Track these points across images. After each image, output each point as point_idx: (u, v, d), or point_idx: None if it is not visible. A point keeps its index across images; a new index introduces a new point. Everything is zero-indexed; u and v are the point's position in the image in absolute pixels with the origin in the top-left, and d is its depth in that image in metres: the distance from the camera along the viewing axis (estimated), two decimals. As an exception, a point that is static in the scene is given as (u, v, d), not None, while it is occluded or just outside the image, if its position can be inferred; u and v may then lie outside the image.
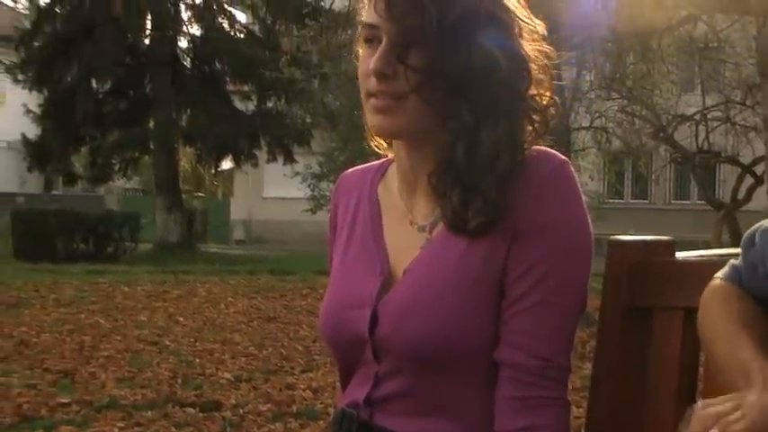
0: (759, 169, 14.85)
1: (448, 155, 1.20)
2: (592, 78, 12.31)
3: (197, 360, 6.81)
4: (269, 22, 20.26)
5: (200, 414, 5.13)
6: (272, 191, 25.73)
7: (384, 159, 1.40)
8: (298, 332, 8.32)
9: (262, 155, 20.69)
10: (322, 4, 17.32)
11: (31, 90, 19.94)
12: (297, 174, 16.95)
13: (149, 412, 5.11)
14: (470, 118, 1.18)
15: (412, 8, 1.15)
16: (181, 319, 9.05)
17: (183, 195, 22.63)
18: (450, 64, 1.16)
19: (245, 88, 20.50)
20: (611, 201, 21.42)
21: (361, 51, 1.25)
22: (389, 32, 1.18)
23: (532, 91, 1.23)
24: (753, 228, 1.09)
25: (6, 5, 24.24)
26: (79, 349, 7.10)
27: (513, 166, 1.18)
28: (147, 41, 20.51)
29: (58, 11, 19.90)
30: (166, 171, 20.27)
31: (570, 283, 1.19)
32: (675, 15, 11.21)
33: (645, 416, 1.29)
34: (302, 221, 18.42)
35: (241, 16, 21.66)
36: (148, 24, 20.23)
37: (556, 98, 1.27)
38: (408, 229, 1.28)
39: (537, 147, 1.22)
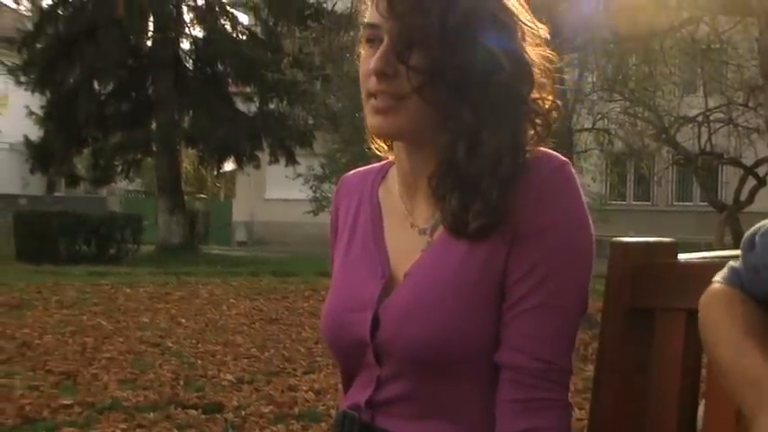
0: (761, 171, 14.84)
1: (449, 156, 1.20)
2: (594, 80, 12.31)
3: (199, 362, 6.81)
4: (271, 23, 20.28)
5: (203, 416, 5.13)
6: (274, 192, 25.73)
7: (385, 161, 1.40)
8: (300, 334, 8.32)
9: (264, 156, 20.70)
10: (324, 5, 17.32)
11: (33, 92, 19.97)
12: (299, 175, 16.95)
13: (151, 414, 5.11)
14: (472, 119, 1.18)
15: (414, 8, 1.15)
16: (183, 320, 9.05)
17: (186, 197, 22.66)
18: (452, 65, 1.16)
19: (248, 90, 20.52)
20: (614, 202, 21.41)
21: (362, 52, 1.25)
22: (391, 32, 1.17)
23: (535, 94, 1.23)
24: (752, 229, 1.09)
25: (9, 7, 24.27)
26: (81, 351, 7.11)
27: (515, 170, 1.18)
28: (149, 43, 20.54)
29: (61, 13, 19.93)
30: (169, 173, 20.29)
31: (571, 285, 1.18)
32: (678, 17, 11.20)
33: (647, 418, 1.29)
34: (304, 223, 18.41)
35: (243, 18, 21.69)
36: (151, 26, 20.26)
37: (558, 102, 1.26)
38: (409, 232, 1.28)
39: (537, 148, 1.22)
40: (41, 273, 13.75)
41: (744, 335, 1.01)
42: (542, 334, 1.17)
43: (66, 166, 20.65)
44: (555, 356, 1.17)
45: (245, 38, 20.69)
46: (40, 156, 20.08)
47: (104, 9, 18.20)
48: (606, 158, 17.39)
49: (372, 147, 1.38)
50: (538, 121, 1.24)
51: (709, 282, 1.12)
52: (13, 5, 23.28)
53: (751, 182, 15.06)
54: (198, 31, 20.89)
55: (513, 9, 1.22)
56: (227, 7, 20.93)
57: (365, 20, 1.23)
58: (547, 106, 1.25)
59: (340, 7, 14.47)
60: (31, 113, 20.35)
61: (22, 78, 19.76)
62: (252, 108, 20.64)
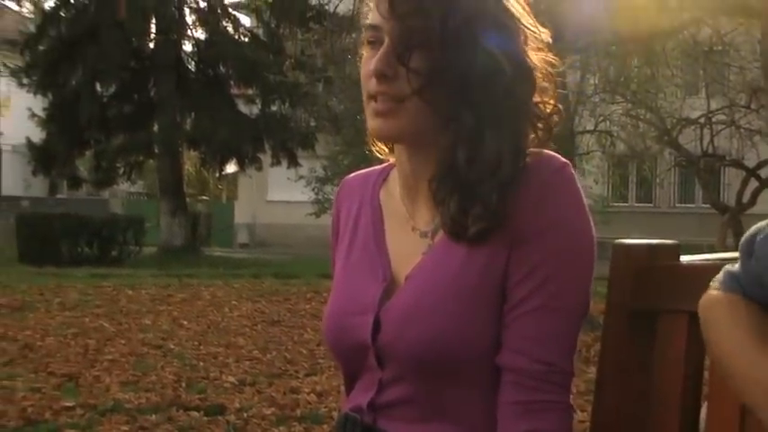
0: (764, 172, 14.81)
1: (449, 159, 1.20)
2: (596, 82, 12.29)
3: (201, 364, 6.81)
4: (273, 25, 20.29)
5: (205, 418, 5.13)
6: (277, 194, 25.73)
7: (386, 164, 1.40)
8: (302, 336, 8.32)
9: (266, 158, 20.73)
10: (326, 7, 17.32)
11: (35, 94, 20.01)
12: (301, 177, 16.95)
13: (153, 416, 5.11)
14: (472, 121, 1.17)
15: (415, 9, 1.14)
16: (185, 322, 9.06)
17: (188, 199, 22.70)
18: (453, 67, 1.15)
19: (250, 92, 20.54)
20: (616, 204, 21.38)
21: (364, 54, 1.24)
22: (391, 33, 1.17)
23: (536, 98, 1.23)
24: (750, 232, 1.07)
25: (11, 9, 24.30)
26: (83, 353, 7.11)
27: (515, 173, 1.17)
28: (151, 45, 20.58)
29: (63, 15, 19.97)
30: (171, 175, 20.31)
31: (572, 287, 1.18)
32: (679, 19, 11.19)
33: (649, 420, 1.29)
34: (306, 225, 18.40)
35: (245, 20, 21.71)
36: (153, 28, 20.30)
37: (560, 106, 1.26)
38: (410, 235, 1.28)
39: (538, 150, 1.22)
40: (43, 275, 13.76)
41: (748, 334, 1.00)
42: (543, 336, 1.16)
43: (68, 168, 20.68)
44: (556, 358, 1.17)
45: (247, 40, 20.71)
46: (42, 158, 20.11)
47: (107, 11, 18.22)
48: (608, 160, 17.37)
49: (373, 149, 1.38)
50: (539, 124, 1.23)
51: (710, 284, 1.11)
52: (16, 7, 23.34)
53: (753, 184, 15.03)
54: (200, 33, 20.96)
55: (515, 12, 1.21)
56: (230, 9, 20.97)
57: (367, 21, 1.23)
58: (548, 110, 1.25)
59: (342, 9, 14.47)
60: (33, 115, 20.38)
61: (25, 80, 19.80)
62: (254, 110, 20.66)
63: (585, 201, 1.21)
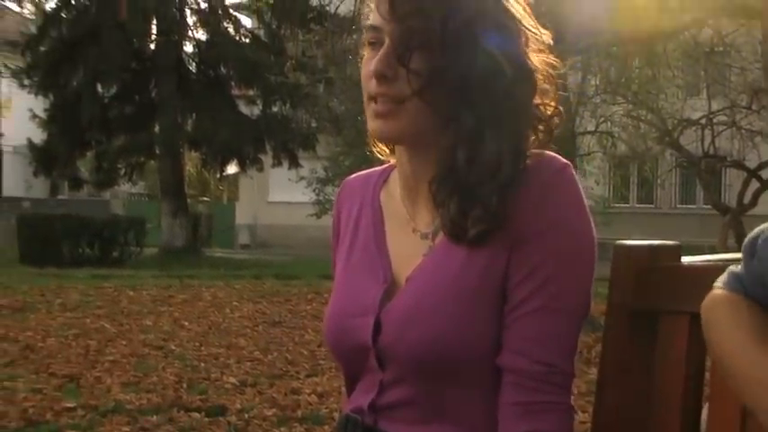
0: (765, 173, 14.80)
1: (449, 161, 1.20)
2: (597, 83, 12.30)
3: (202, 364, 6.81)
4: (274, 26, 20.30)
5: (206, 419, 5.13)
6: (278, 195, 25.75)
7: (387, 165, 1.40)
8: (303, 337, 8.32)
9: (267, 159, 20.73)
10: (327, 8, 17.33)
11: (37, 95, 20.02)
12: (302, 178, 16.98)
13: (155, 417, 5.11)
14: (472, 122, 1.17)
15: (415, 10, 1.14)
16: (186, 323, 9.06)
17: (189, 200, 22.70)
18: (452, 68, 1.15)
19: (251, 93, 20.55)
20: (617, 205, 21.39)
21: (365, 54, 1.24)
22: (392, 34, 1.17)
23: (537, 100, 1.23)
24: (753, 233, 1.08)
25: (12, 10, 24.31)
26: (85, 354, 7.11)
27: (515, 175, 1.17)
28: (152, 46, 20.58)
29: (64, 16, 19.99)
30: (172, 176, 20.31)
31: (572, 288, 1.18)
32: (681, 20, 11.19)
33: (650, 421, 1.29)
34: (307, 226, 18.44)
35: (246, 21, 21.72)
36: (154, 29, 20.31)
37: (560, 108, 1.26)
38: (411, 237, 1.28)
39: (539, 151, 1.22)
40: (45, 276, 13.76)
41: (750, 335, 1.00)
42: (543, 337, 1.16)
43: (69, 169, 20.69)
44: (556, 359, 1.17)
45: (248, 41, 20.73)
46: (43, 159, 20.12)
47: (108, 12, 18.23)
48: (609, 161, 17.38)
49: (374, 150, 1.38)
50: (540, 126, 1.23)
51: (713, 284, 1.11)
52: (17, 9, 23.34)
53: (754, 185, 15.02)
54: (201, 34, 20.97)
55: (516, 14, 1.21)
56: (231, 10, 20.98)
57: (368, 22, 1.23)
58: (549, 112, 1.24)
59: (343, 10, 14.47)
60: (34, 116, 20.39)
61: (26, 81, 19.82)
62: (255, 111, 20.67)
63: (586, 202, 1.21)
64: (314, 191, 15.68)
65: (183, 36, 20.58)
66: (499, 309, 1.18)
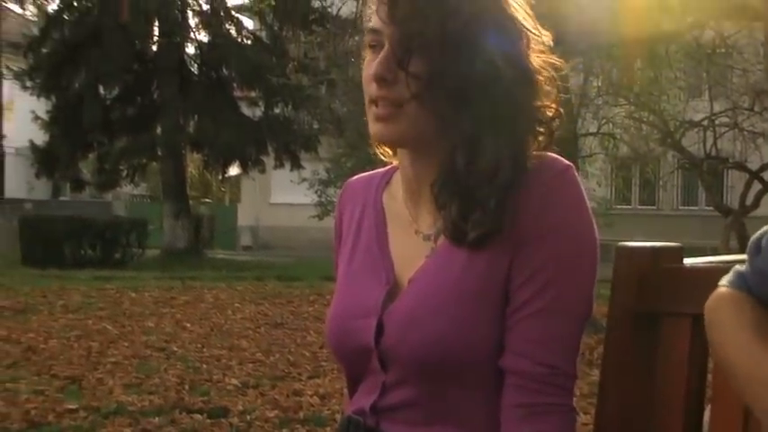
0: (767, 175, 14.80)
1: (450, 164, 1.20)
2: (599, 84, 12.29)
3: (204, 366, 6.81)
4: (276, 28, 20.31)
5: (208, 420, 5.14)
6: (280, 197, 25.74)
7: (389, 166, 1.40)
8: (305, 338, 8.32)
9: (269, 161, 20.74)
10: (329, 10, 17.35)
11: (39, 97, 20.04)
12: (304, 180, 16.96)
13: (157, 418, 5.12)
14: (471, 126, 1.17)
15: (414, 14, 1.14)
16: (188, 325, 9.06)
17: (191, 201, 22.70)
18: (452, 71, 1.15)
19: (253, 94, 20.55)
20: (619, 207, 21.36)
21: (366, 57, 1.24)
22: (391, 37, 1.17)
23: (538, 102, 1.22)
24: (758, 233, 1.08)
25: (15, 13, 24.35)
26: (87, 355, 7.11)
27: (515, 178, 1.17)
28: (154, 48, 20.59)
29: (66, 18, 20.01)
30: (174, 177, 20.32)
31: (575, 290, 1.18)
32: (683, 21, 11.19)
33: (653, 422, 1.29)
34: (309, 227, 18.41)
35: (248, 22, 21.73)
36: (156, 31, 20.31)
37: (561, 110, 1.26)
38: (413, 238, 1.28)
39: (540, 153, 1.22)
40: (47, 277, 13.77)
41: (753, 335, 1.00)
42: (546, 338, 1.16)
43: (71, 170, 20.71)
44: (559, 361, 1.17)
45: (250, 42, 20.73)
46: (45, 160, 20.14)
47: (110, 14, 18.25)
48: (611, 163, 17.36)
49: (377, 151, 1.38)
50: (540, 129, 1.23)
51: (715, 286, 1.11)
52: (19, 10, 23.38)
53: (756, 186, 15.02)
54: (203, 36, 20.98)
55: (517, 16, 1.21)
56: (232, 12, 20.98)
57: (368, 25, 1.23)
58: (550, 114, 1.24)
59: (345, 12, 14.50)
60: (36, 118, 20.42)
61: (28, 83, 19.84)
62: (257, 112, 20.67)
63: (588, 203, 1.21)
64: (316, 192, 15.67)
65: (185, 38, 20.59)
66: (501, 311, 1.18)
